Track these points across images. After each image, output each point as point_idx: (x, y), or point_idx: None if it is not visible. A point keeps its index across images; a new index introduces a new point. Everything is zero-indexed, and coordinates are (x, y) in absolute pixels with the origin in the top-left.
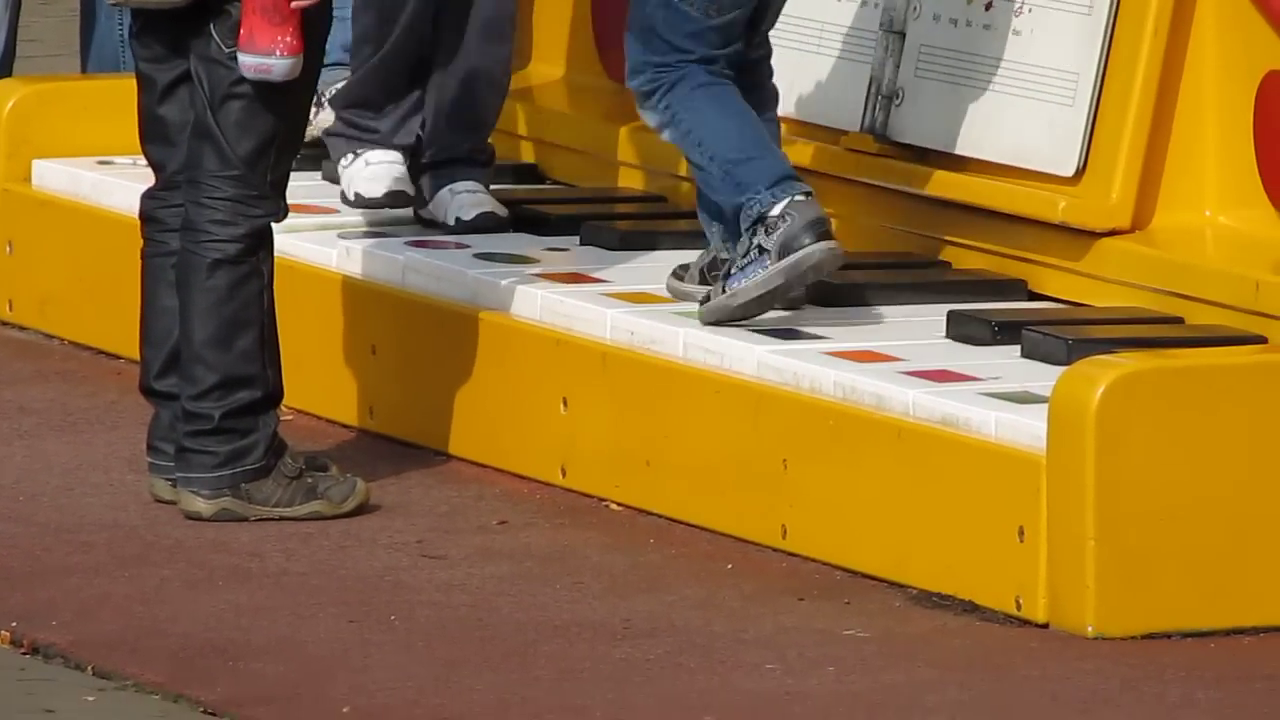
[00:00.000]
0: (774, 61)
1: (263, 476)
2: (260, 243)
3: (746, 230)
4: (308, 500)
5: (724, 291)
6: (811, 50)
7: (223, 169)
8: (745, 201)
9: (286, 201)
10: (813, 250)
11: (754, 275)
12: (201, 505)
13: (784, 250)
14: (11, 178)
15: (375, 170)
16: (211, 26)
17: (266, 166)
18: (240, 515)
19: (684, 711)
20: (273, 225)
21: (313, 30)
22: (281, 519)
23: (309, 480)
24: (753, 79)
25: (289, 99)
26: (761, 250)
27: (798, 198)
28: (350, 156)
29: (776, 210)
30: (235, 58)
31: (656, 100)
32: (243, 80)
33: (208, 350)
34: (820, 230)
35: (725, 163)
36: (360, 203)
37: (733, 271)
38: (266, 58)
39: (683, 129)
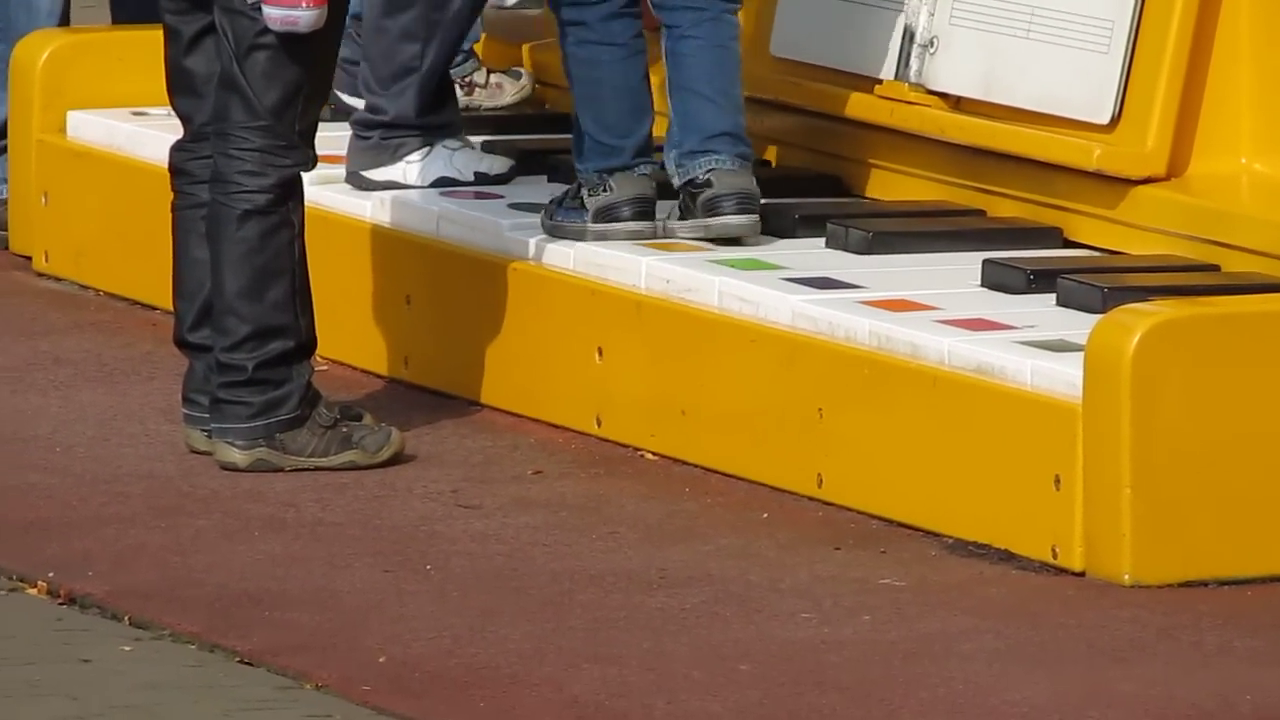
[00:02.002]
0: (811, 10)
1: (297, 426)
2: (290, 192)
3: (575, 186)
4: (343, 450)
5: (550, 216)
6: None
7: (250, 120)
8: (584, 168)
9: (315, 150)
10: (628, 226)
11: (574, 220)
12: (237, 455)
13: (599, 215)
14: (46, 129)
15: (470, 153)
16: None
17: (294, 116)
18: (275, 465)
19: (720, 660)
20: (302, 174)
21: None
22: (316, 469)
23: (344, 430)
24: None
25: (315, 48)
26: (582, 205)
27: (622, 174)
28: (425, 149)
29: (599, 180)
30: (259, 9)
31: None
32: (267, 31)
33: (240, 301)
34: (639, 209)
35: (588, 133)
36: (482, 179)
37: (562, 204)
38: (293, 9)
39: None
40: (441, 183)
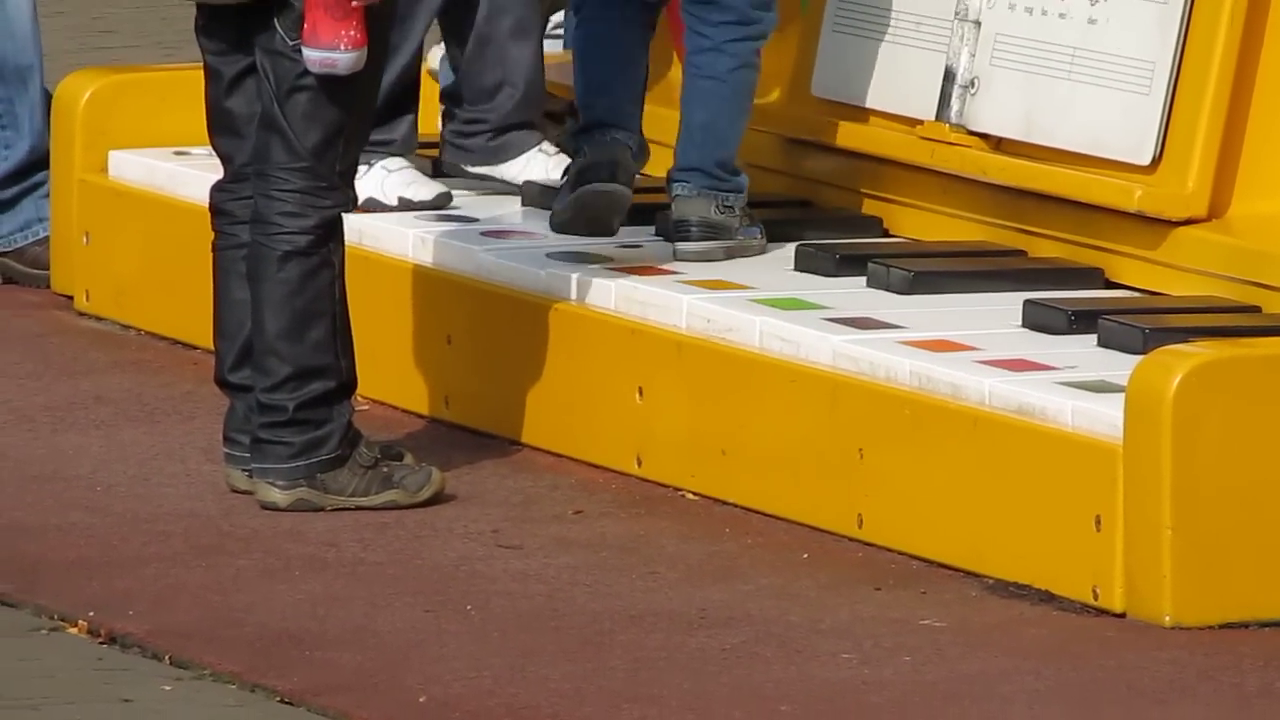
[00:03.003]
0: (852, 50)
1: (338, 466)
2: (330, 233)
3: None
4: (383, 489)
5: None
6: (887, 39)
7: (291, 161)
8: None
9: (356, 191)
10: (599, 188)
11: (563, 197)
12: (278, 495)
13: (575, 180)
14: (88, 168)
15: (405, 175)
16: (276, 20)
17: (335, 157)
18: (316, 505)
19: (760, 701)
20: (342, 215)
21: (377, 21)
22: (358, 508)
23: (384, 469)
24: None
25: (355, 89)
26: (564, 174)
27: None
28: (364, 168)
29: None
30: (300, 50)
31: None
32: (308, 72)
33: (280, 342)
34: (611, 172)
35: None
36: (406, 206)
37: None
38: (330, 52)
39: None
40: (369, 203)
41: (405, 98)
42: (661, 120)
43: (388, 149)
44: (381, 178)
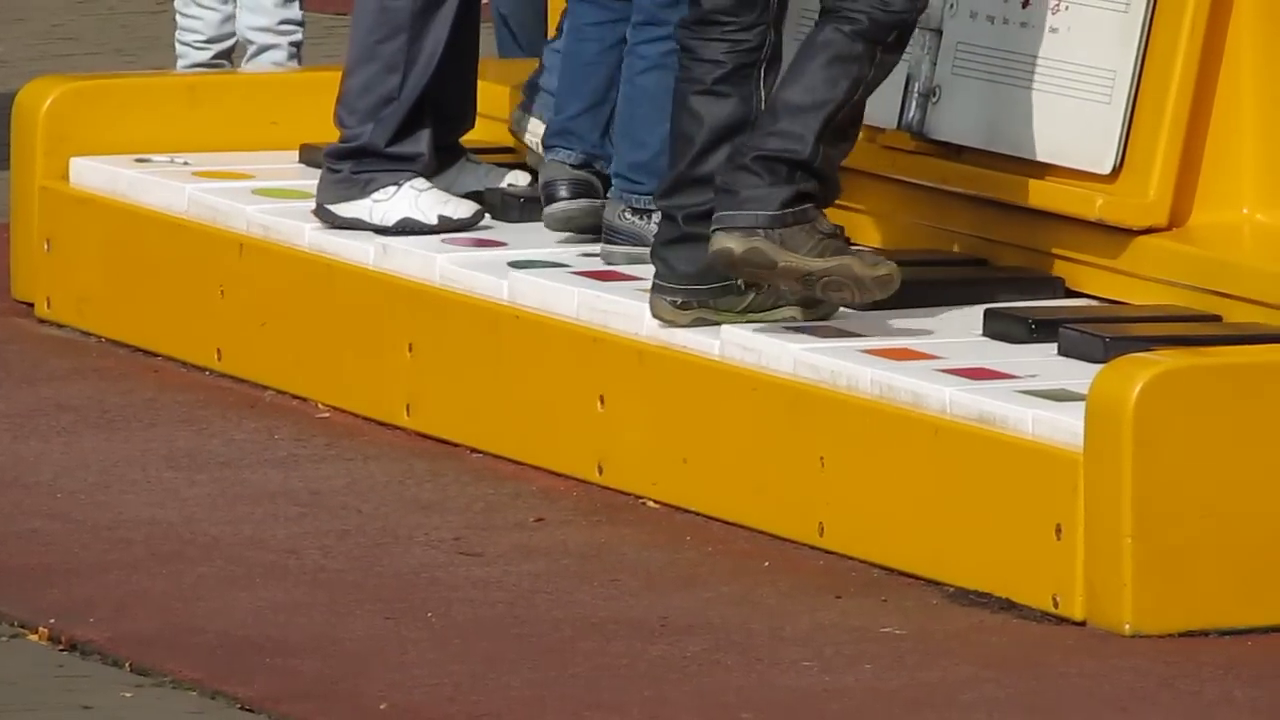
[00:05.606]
0: None
1: (789, 225)
2: (882, 38)
3: None
4: (839, 255)
5: None
6: None
7: None
8: None
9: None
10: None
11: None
12: (733, 244)
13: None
14: (49, 175)
15: (437, 194)
16: None
17: None
18: (769, 258)
19: (721, 709)
20: (904, 31)
21: None
22: (807, 272)
23: (840, 242)
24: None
25: None
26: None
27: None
28: (392, 188)
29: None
30: None
31: None
32: None
33: (786, 90)
34: (564, 192)
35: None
36: (447, 225)
37: None
38: None
39: None
40: (404, 224)
41: (423, 113)
42: None
43: (412, 165)
44: (414, 197)
